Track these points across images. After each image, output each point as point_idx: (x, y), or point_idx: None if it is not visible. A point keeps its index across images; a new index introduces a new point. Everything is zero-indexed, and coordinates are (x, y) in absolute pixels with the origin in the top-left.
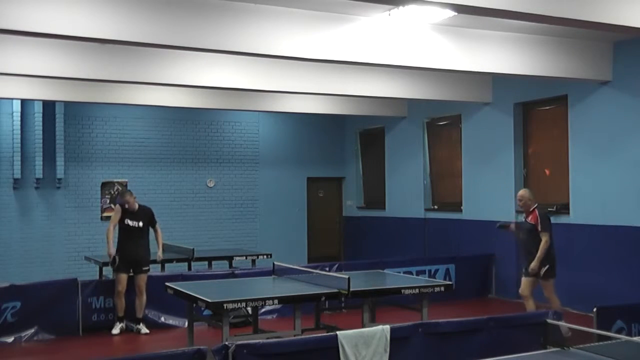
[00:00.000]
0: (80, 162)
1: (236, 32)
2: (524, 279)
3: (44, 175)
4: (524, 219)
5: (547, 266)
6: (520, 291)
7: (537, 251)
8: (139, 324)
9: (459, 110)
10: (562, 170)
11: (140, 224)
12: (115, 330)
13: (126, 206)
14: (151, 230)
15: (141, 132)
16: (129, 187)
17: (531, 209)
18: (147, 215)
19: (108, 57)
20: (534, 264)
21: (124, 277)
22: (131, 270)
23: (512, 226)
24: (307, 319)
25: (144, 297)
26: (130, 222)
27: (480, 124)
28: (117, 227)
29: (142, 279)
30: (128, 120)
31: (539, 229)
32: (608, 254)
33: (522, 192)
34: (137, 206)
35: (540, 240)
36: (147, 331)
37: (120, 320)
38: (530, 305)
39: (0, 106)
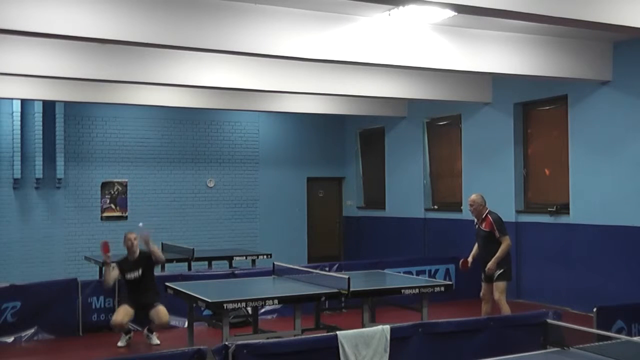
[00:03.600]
0: (80, 162)
1: (236, 32)
2: (484, 285)
3: (44, 175)
4: (476, 226)
5: (502, 269)
6: (481, 295)
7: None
8: (152, 333)
9: (459, 110)
10: (562, 170)
11: (139, 272)
12: (121, 343)
13: (126, 253)
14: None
15: (141, 132)
16: (129, 187)
17: (484, 215)
18: (144, 261)
19: (108, 57)
20: (491, 264)
21: (125, 308)
22: (140, 309)
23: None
24: (307, 319)
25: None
26: (129, 275)
27: (480, 124)
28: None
29: (161, 313)
30: (128, 120)
31: (497, 234)
32: (608, 254)
33: (474, 196)
34: (137, 253)
35: (498, 245)
36: (159, 342)
37: (127, 332)
38: (487, 309)
39: (0, 106)
